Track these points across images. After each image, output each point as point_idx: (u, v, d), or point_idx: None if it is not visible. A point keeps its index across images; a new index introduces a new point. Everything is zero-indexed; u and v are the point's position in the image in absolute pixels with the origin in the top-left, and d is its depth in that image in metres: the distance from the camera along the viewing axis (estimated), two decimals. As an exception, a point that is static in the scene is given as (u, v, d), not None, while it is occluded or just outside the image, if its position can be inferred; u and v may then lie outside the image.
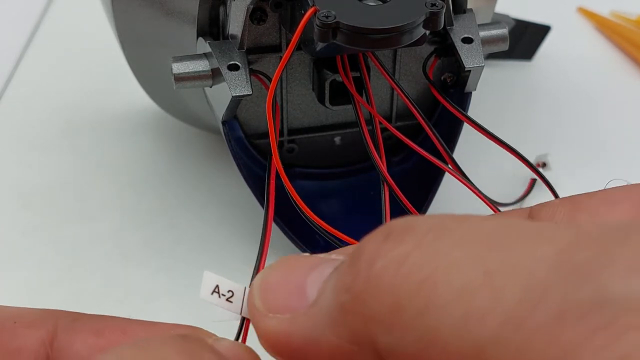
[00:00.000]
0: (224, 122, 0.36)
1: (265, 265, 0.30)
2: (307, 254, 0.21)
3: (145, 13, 0.38)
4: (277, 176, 0.39)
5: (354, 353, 0.17)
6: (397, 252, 0.17)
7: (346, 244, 0.32)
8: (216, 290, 0.22)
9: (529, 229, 0.16)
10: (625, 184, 0.24)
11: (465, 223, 0.17)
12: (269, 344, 0.19)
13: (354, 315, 0.17)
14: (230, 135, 0.36)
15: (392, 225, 0.18)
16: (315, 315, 0.18)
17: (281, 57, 0.36)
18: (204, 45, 0.35)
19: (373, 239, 0.17)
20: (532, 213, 0.23)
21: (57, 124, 0.49)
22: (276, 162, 0.32)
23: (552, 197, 0.43)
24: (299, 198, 0.32)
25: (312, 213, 0.32)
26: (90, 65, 0.53)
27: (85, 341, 0.23)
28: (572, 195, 0.23)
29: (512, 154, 0.34)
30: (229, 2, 0.34)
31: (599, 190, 0.23)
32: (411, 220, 0.17)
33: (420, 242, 0.16)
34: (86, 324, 0.24)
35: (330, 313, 0.18)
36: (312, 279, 0.19)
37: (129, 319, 0.24)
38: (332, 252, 0.20)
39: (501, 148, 0.35)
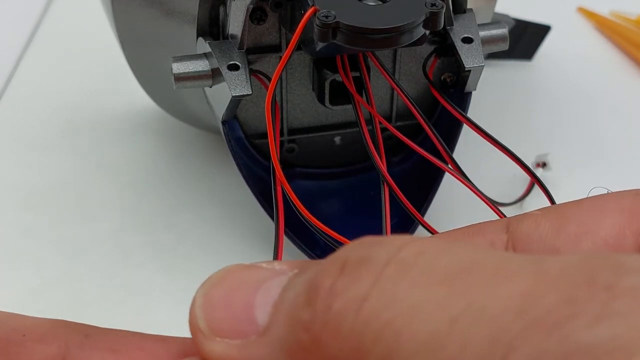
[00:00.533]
0: (224, 122, 0.36)
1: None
2: (247, 264, 0.20)
3: (145, 13, 0.38)
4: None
5: None
6: (354, 292, 0.16)
7: (342, 244, 0.32)
8: None
9: (491, 264, 0.15)
10: (606, 191, 0.23)
11: (423, 257, 0.16)
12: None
13: (313, 355, 0.17)
14: (230, 135, 0.36)
15: (347, 255, 0.17)
16: (268, 345, 0.18)
17: (281, 57, 0.36)
18: (204, 45, 0.35)
19: (328, 272, 0.17)
20: (511, 225, 0.22)
21: (57, 124, 0.49)
22: (275, 164, 0.32)
23: (552, 199, 0.43)
24: (297, 199, 0.32)
25: (309, 214, 0.32)
26: (90, 65, 0.53)
27: None
28: (557, 205, 0.22)
29: (510, 157, 0.34)
30: (229, 2, 0.34)
31: (586, 199, 0.21)
32: (367, 249, 0.17)
33: (377, 280, 0.16)
34: (100, 340, 0.22)
35: (286, 347, 0.17)
36: (260, 300, 0.18)
37: (143, 334, 0.23)
38: (274, 261, 0.19)
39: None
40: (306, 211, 0.32)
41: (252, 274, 0.19)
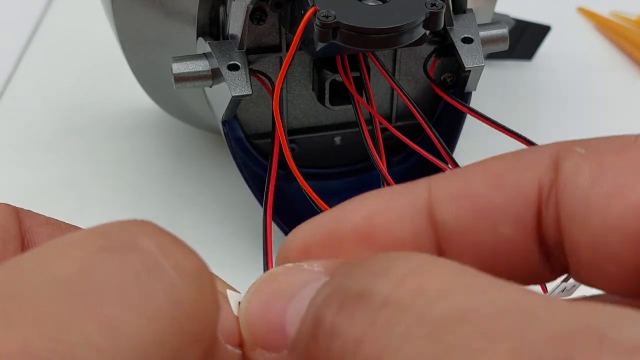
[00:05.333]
0: (224, 122, 0.36)
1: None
2: (290, 265, 0.20)
3: (145, 13, 0.38)
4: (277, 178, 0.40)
5: None
6: (352, 334, 0.17)
7: None
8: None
9: (484, 319, 0.16)
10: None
11: (420, 299, 0.16)
12: None
13: None
14: (230, 135, 0.36)
15: (348, 287, 0.17)
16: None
17: (281, 57, 0.36)
18: (204, 45, 0.35)
19: (329, 307, 0.17)
20: (559, 162, 0.20)
21: (57, 123, 0.49)
22: (289, 162, 0.32)
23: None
24: (313, 192, 0.32)
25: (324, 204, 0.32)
26: (90, 65, 0.53)
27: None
28: (601, 145, 0.20)
29: (520, 140, 0.34)
30: (229, 2, 0.34)
31: (631, 151, 0.20)
32: (368, 280, 0.17)
33: (373, 323, 0.16)
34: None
35: None
36: (291, 313, 0.19)
37: None
38: (314, 261, 0.20)
39: (502, 146, 0.35)
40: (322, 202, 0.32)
41: (288, 281, 0.19)
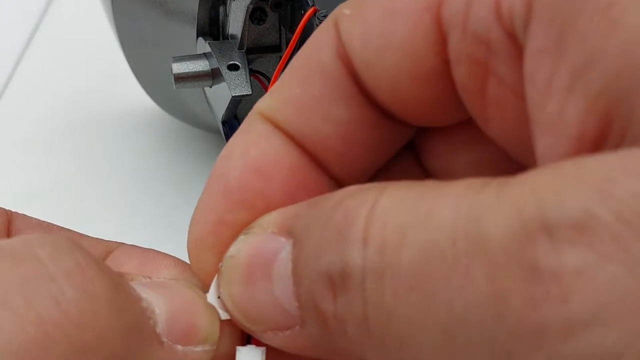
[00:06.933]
0: (224, 122, 0.36)
1: None
2: (242, 237, 0.20)
3: (145, 13, 0.38)
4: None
5: None
6: (355, 315, 0.17)
7: None
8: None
9: (448, 246, 0.16)
10: None
11: (389, 254, 0.17)
12: (282, 349, 0.20)
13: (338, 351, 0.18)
14: (230, 135, 0.36)
15: (327, 270, 0.18)
16: (313, 334, 0.19)
17: (281, 57, 0.36)
18: (203, 45, 0.35)
19: (323, 296, 0.18)
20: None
21: (57, 124, 0.49)
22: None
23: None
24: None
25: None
26: (90, 65, 0.53)
27: None
28: None
29: None
30: (228, 2, 0.34)
31: None
32: (341, 258, 0.17)
33: (366, 300, 0.17)
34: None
35: (324, 337, 0.19)
36: (279, 293, 0.19)
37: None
38: (263, 221, 0.20)
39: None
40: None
41: (255, 258, 0.19)
